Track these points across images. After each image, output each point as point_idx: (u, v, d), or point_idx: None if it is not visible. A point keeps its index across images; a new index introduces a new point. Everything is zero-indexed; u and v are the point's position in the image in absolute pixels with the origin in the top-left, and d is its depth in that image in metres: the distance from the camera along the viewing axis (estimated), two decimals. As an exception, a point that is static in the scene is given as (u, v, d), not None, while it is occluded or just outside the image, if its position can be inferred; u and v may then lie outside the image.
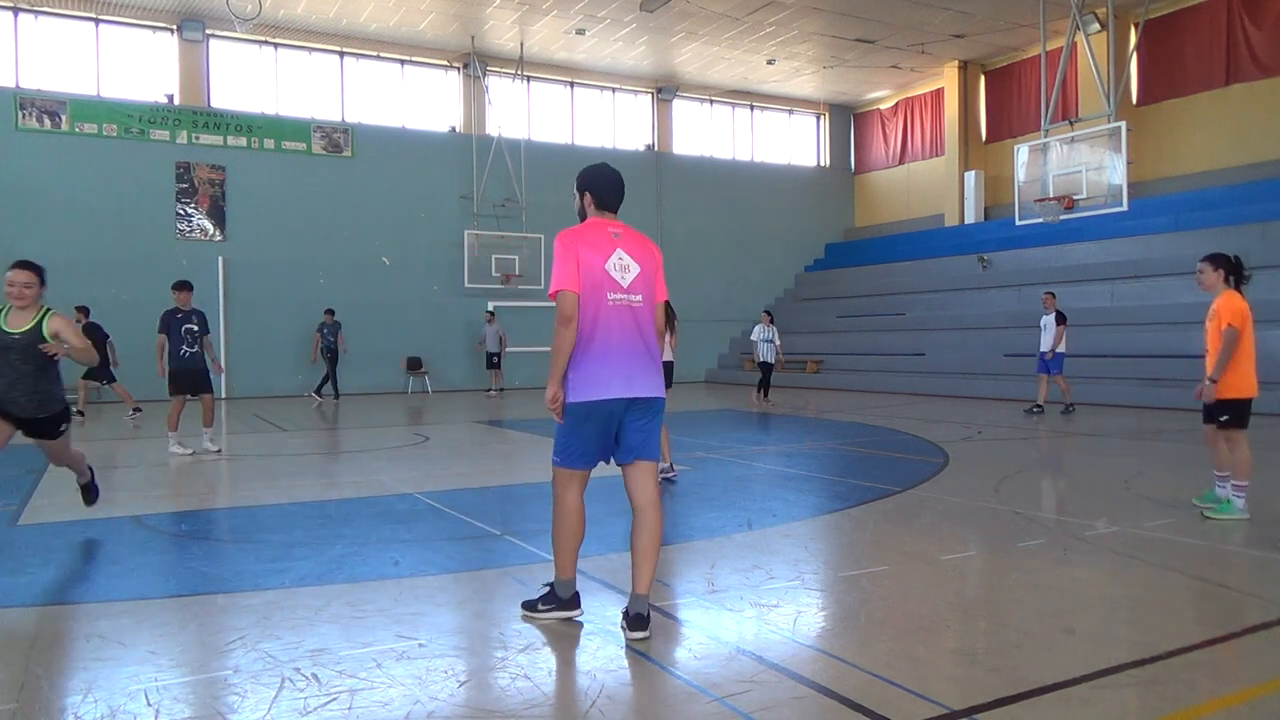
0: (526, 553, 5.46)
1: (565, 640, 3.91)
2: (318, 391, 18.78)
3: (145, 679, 3.45)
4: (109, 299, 18.98)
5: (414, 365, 21.56)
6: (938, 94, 25.83)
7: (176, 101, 20.22)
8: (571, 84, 24.91)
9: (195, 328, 10.32)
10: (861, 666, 3.51)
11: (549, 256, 22.57)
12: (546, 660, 3.68)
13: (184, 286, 10.51)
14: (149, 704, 3.20)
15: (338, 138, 21.57)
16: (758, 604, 4.39)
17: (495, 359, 20.56)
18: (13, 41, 19.27)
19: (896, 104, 27.39)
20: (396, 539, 5.93)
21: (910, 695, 3.20)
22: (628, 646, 3.80)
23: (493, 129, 23.36)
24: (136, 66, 20.30)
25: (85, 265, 18.82)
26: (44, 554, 5.66)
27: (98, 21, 19.91)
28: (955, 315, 21.19)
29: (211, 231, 20.30)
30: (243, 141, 20.58)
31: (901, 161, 27.45)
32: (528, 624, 4.09)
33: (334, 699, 3.24)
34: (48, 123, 18.92)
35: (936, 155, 26.11)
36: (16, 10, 19.23)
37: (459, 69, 23.25)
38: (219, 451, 10.55)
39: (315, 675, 3.46)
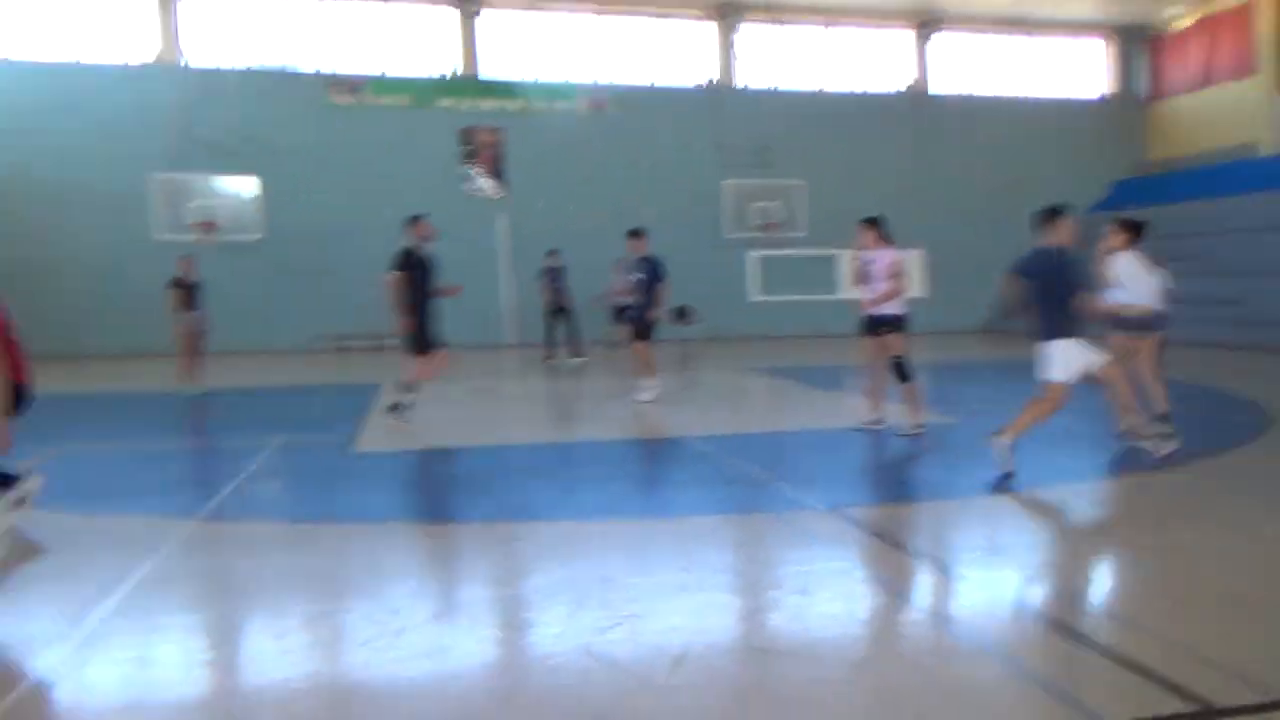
0: (796, 499, 5.55)
1: (839, 587, 3.97)
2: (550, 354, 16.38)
3: (462, 592, 3.90)
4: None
5: (681, 314, 22.14)
6: (1244, 7, 22.55)
7: (460, 72, 21.80)
8: (826, 24, 24.16)
9: (643, 275, 10.41)
10: (1169, 639, 3.29)
11: (806, 202, 22.40)
12: (820, 605, 3.76)
13: (636, 234, 10.69)
14: (464, 614, 3.63)
15: (600, 98, 22.36)
16: (1048, 564, 4.22)
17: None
18: (320, 28, 21.59)
19: (1196, 21, 24.19)
20: (671, 479, 6.23)
21: (1226, 675, 2.97)
22: (906, 597, 3.81)
23: (745, 79, 23.22)
24: (424, 41, 22.06)
25: (383, 225, 20.93)
26: (375, 479, 6.49)
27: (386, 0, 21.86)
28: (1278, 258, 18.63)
29: (493, 191, 21.83)
30: (516, 105, 21.86)
31: (1203, 86, 24.27)
32: (800, 568, 4.18)
33: (621, 623, 3.51)
34: (353, 99, 21.09)
35: (1245, 77, 22.85)
36: (326, -3, 21.50)
37: (712, 19, 23.26)
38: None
39: (605, 599, 3.75)
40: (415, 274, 8.89)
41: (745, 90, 23.18)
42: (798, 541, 4.52)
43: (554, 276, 16.80)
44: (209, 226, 19.15)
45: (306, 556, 4.57)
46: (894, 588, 3.95)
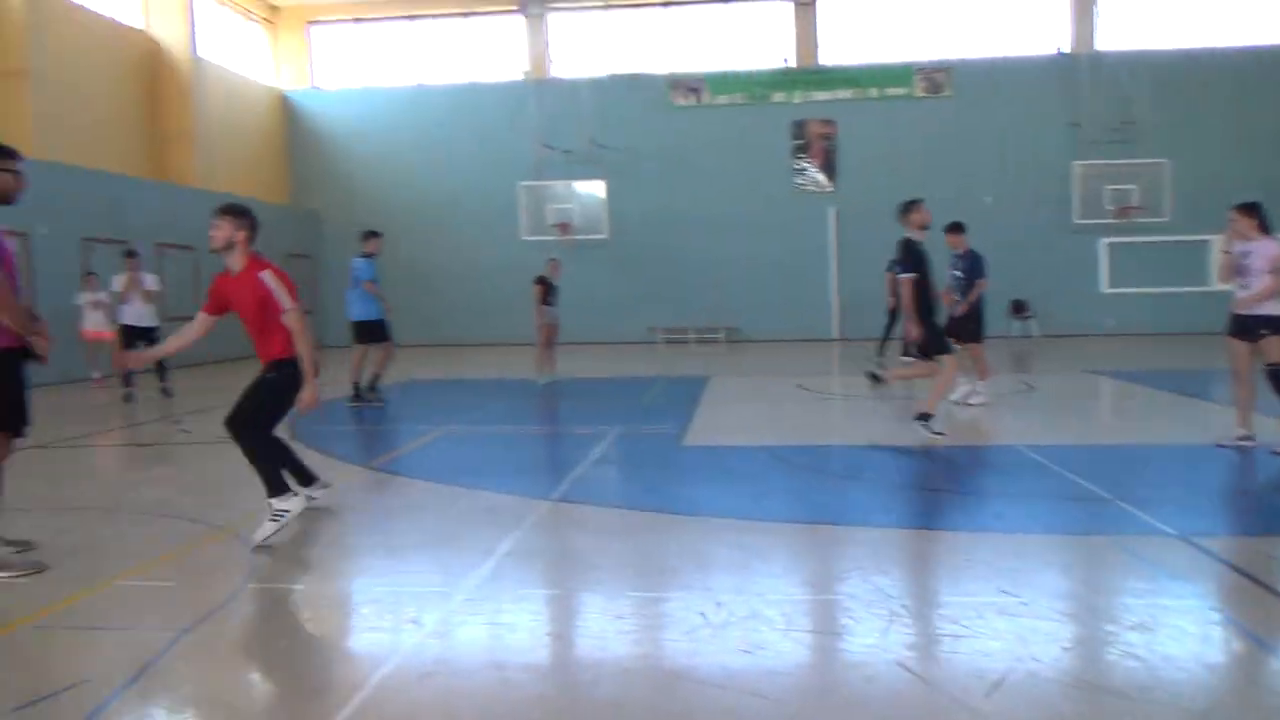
0: (1142, 522, 5.11)
1: (1186, 625, 3.65)
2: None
3: (779, 592, 4.09)
4: (735, 252, 21.69)
5: (1018, 308, 20.79)
6: None
7: (791, 64, 22.00)
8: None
9: (960, 274, 9.84)
10: None
11: (1171, 184, 19.88)
12: (1161, 643, 3.49)
13: (955, 229, 10.04)
14: (782, 614, 3.81)
15: (938, 78, 21.46)
16: None
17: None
18: (664, 32, 22.77)
19: None
20: (999, 492, 6.00)
21: None
22: (1270, 647, 3.43)
23: (1106, 42, 21.08)
24: (758, 37, 22.50)
25: (714, 219, 21.73)
26: (700, 472, 6.91)
27: (726, 0, 22.51)
28: None
29: (824, 183, 21.83)
30: (849, 94, 21.64)
31: None
32: (1142, 600, 3.90)
33: (937, 640, 3.51)
34: (693, 99, 22.06)
35: None
36: (667, 4, 22.62)
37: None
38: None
39: (921, 614, 3.76)
40: (924, 271, 7.80)
41: (1104, 56, 21.07)
42: (1140, 570, 4.20)
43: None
44: (565, 228, 21.02)
45: (640, 543, 5.02)
46: (1256, 633, 3.56)
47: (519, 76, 22.59)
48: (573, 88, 21.63)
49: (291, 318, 5.11)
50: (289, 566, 4.78)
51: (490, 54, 23.31)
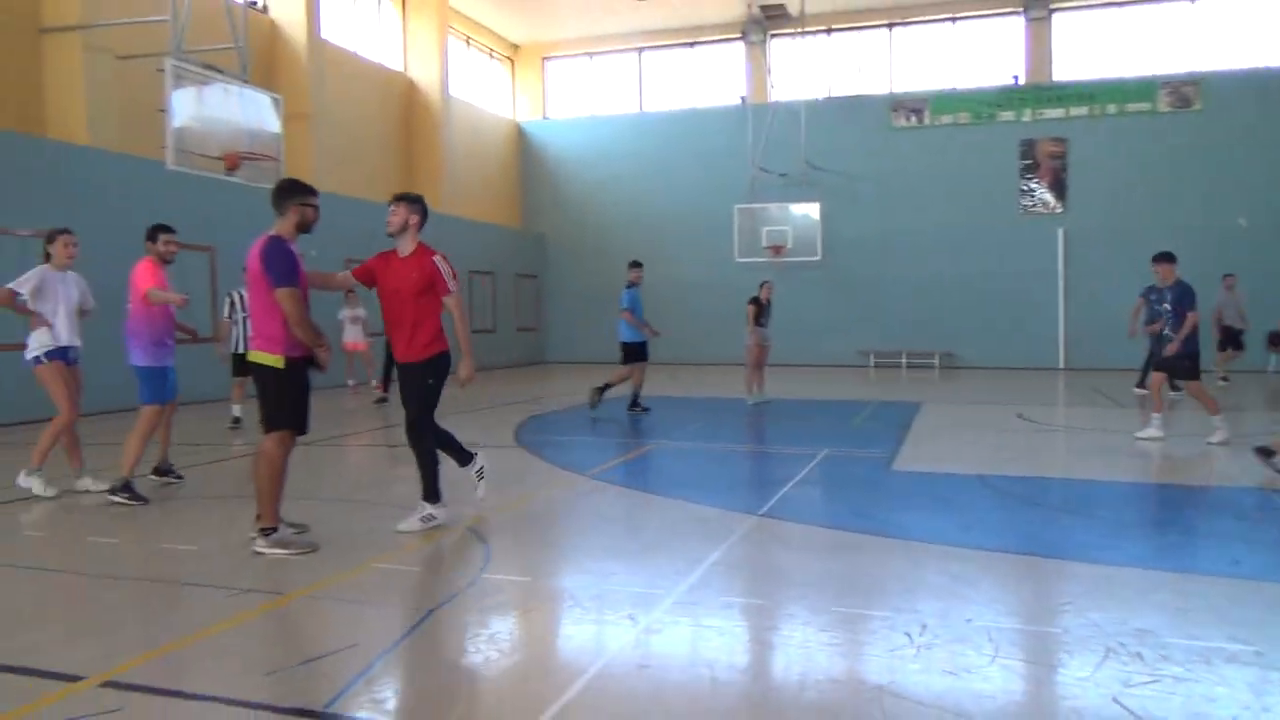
0: None
1: None
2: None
3: (986, 620, 4.08)
4: (954, 275, 21.03)
5: (1276, 340, 18.82)
6: None
7: (1021, 81, 21.09)
8: None
9: (1169, 306, 9.38)
10: None
11: None
12: None
13: (1166, 259, 9.52)
14: (989, 640, 3.81)
15: (1186, 91, 19.88)
16: None
17: (1232, 336, 15.61)
18: (887, 53, 22.48)
19: None
20: (1238, 536, 5.60)
21: None
22: None
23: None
24: (985, 55, 21.75)
25: (932, 242, 21.15)
26: (909, 497, 6.87)
27: (954, 19, 21.90)
28: None
29: (1052, 204, 20.75)
30: (1084, 110, 20.48)
31: None
32: (1399, 661, 3.59)
33: (1157, 681, 3.40)
34: (914, 120, 21.63)
35: None
36: (891, 25, 22.34)
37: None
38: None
39: (1140, 654, 3.65)
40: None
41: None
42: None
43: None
44: (778, 250, 21.20)
45: (843, 562, 5.11)
46: None
47: (736, 101, 23.03)
48: (790, 111, 21.80)
49: (454, 300, 5.70)
50: (517, 562, 5.26)
51: (711, 80, 23.93)
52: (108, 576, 4.95)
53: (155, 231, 7.21)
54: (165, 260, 7.15)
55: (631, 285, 12.07)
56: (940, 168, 21.35)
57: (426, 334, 5.75)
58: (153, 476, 7.43)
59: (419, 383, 5.78)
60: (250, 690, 3.39)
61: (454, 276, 5.79)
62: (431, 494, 5.83)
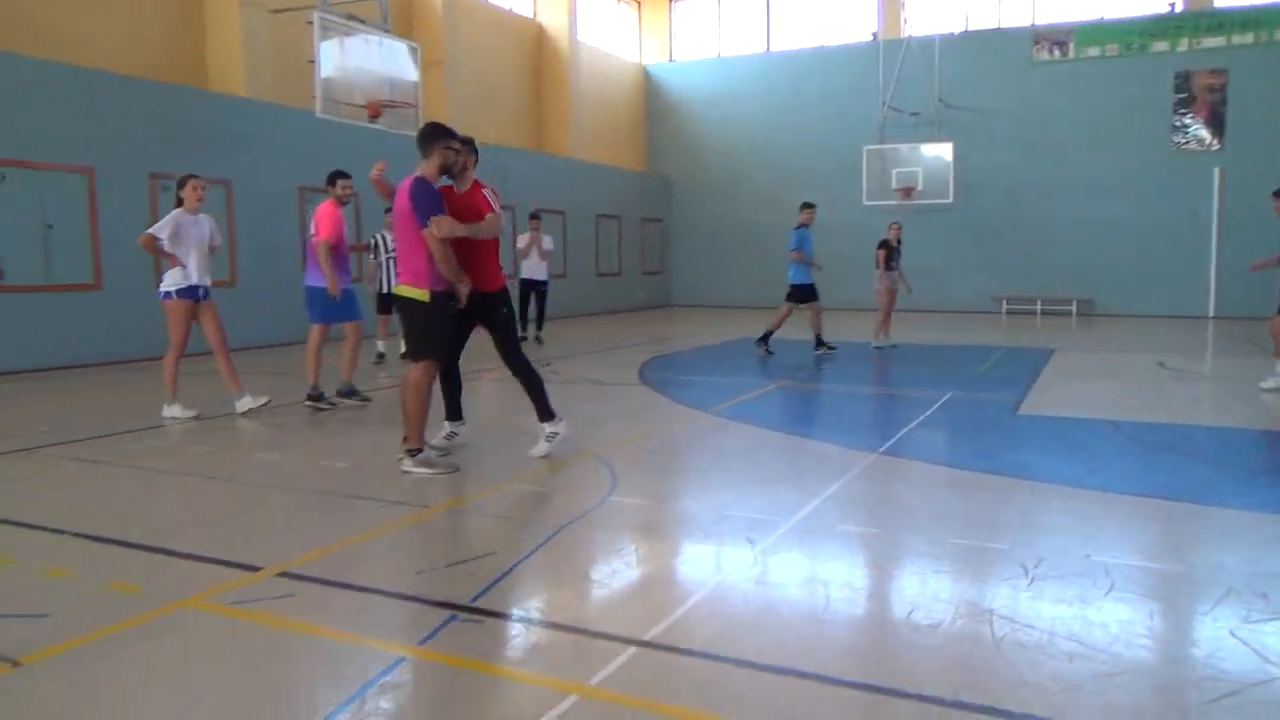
0: None
1: None
2: None
3: (1106, 556, 4.09)
4: (1095, 217, 20.05)
5: None
6: None
7: (1178, 9, 19.68)
8: None
9: None
10: None
11: None
12: None
13: None
14: (1106, 575, 3.84)
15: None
16: None
17: None
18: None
19: None
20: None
21: None
22: None
23: None
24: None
25: (1072, 182, 20.17)
26: (1034, 440, 6.81)
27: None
28: None
29: (1208, 141, 19.43)
30: (1248, 39, 18.96)
31: None
32: None
33: (1277, 618, 3.38)
34: (1057, 53, 20.54)
35: None
36: (1036, -48, 21.16)
37: None
38: None
39: (1265, 594, 3.62)
40: None
41: None
42: None
43: None
44: (908, 192, 20.65)
45: (962, 498, 5.17)
46: None
47: (866, 39, 22.36)
48: (924, 47, 21.02)
49: (493, 217, 5.81)
50: (643, 488, 5.54)
51: (840, 18, 23.28)
52: (275, 487, 5.50)
53: (334, 177, 8.03)
54: (342, 202, 7.98)
55: (801, 226, 12.31)
56: (1084, 104, 20.25)
57: (494, 265, 6.05)
58: (338, 400, 8.14)
59: (502, 312, 6.07)
60: (404, 585, 3.79)
61: (497, 198, 6.04)
62: (546, 413, 6.12)
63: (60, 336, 11.12)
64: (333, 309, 8.05)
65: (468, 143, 6.04)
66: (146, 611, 3.47)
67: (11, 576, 3.93)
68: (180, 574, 3.91)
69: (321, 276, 7.94)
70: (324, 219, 7.94)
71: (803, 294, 12.36)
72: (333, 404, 8.15)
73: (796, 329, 13.40)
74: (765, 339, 12.30)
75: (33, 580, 3.86)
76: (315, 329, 8.11)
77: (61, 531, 4.49)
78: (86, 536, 4.40)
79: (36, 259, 10.93)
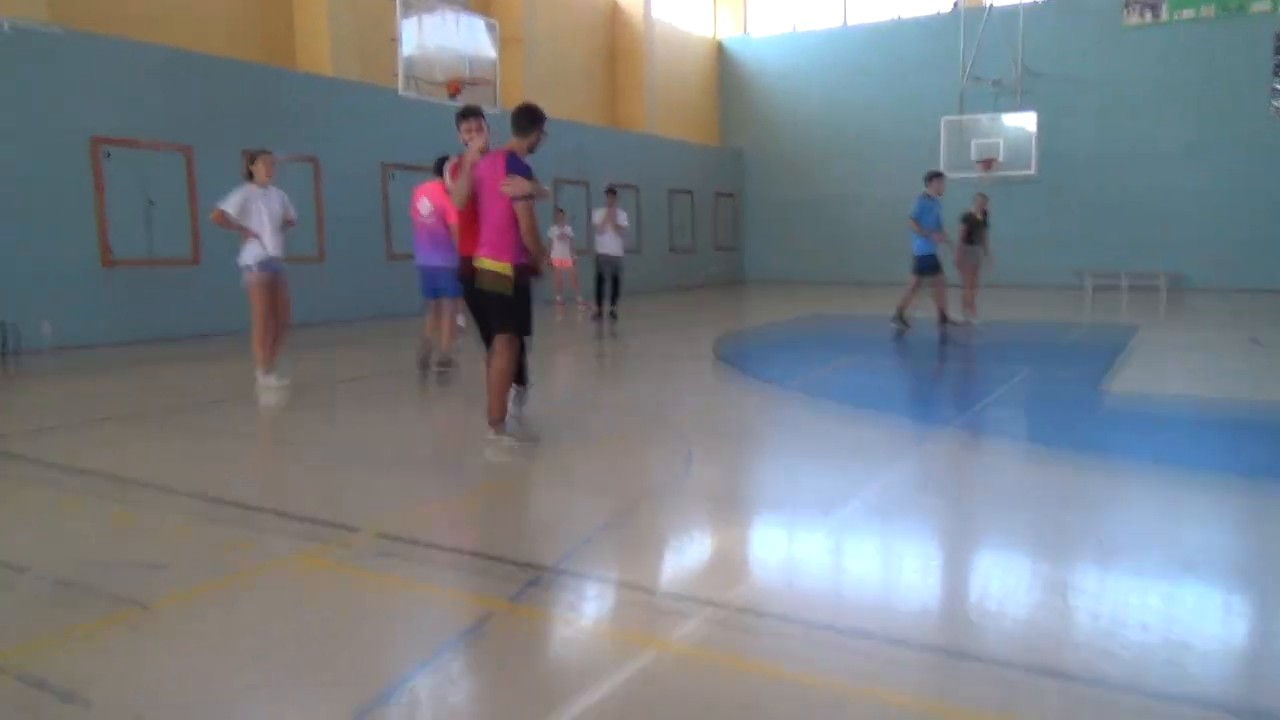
0: None
1: None
2: None
3: (1185, 533, 4.09)
4: (1186, 188, 19.34)
5: None
6: None
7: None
8: None
9: None
10: None
11: None
12: None
13: None
14: (1184, 553, 3.84)
15: None
16: None
17: None
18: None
19: None
20: None
21: None
22: None
23: None
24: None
25: (1162, 153, 19.48)
26: (1114, 416, 6.73)
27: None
28: None
29: (1311, 107, 18.50)
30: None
31: None
32: None
33: (1365, 598, 3.36)
34: (1148, 16, 19.78)
35: None
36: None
37: None
38: None
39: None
40: None
41: None
42: None
43: None
44: (988, 164, 20.19)
45: (1037, 474, 5.18)
46: None
47: (944, 9, 21.83)
48: (1006, 15, 20.45)
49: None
50: (718, 459, 5.67)
51: (920, -13, 22.78)
52: (369, 452, 5.78)
53: (441, 163, 8.04)
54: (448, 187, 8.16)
55: (926, 196, 11.76)
56: (1176, 70, 19.48)
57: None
58: (437, 368, 8.42)
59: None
60: (492, 547, 3.99)
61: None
62: (523, 379, 6.04)
63: (162, 310, 11.70)
64: (431, 286, 8.42)
65: (479, 115, 6.05)
66: (259, 563, 3.75)
67: (135, 532, 4.25)
68: (287, 532, 4.18)
69: (453, 256, 7.96)
70: (446, 202, 7.99)
71: (925, 265, 11.75)
72: (450, 365, 8.45)
73: (867, 304, 13.28)
74: (900, 315, 11.67)
75: (155, 535, 4.18)
76: (447, 304, 8.40)
77: (175, 491, 4.82)
78: (198, 496, 4.73)
79: (140, 235, 11.50)
